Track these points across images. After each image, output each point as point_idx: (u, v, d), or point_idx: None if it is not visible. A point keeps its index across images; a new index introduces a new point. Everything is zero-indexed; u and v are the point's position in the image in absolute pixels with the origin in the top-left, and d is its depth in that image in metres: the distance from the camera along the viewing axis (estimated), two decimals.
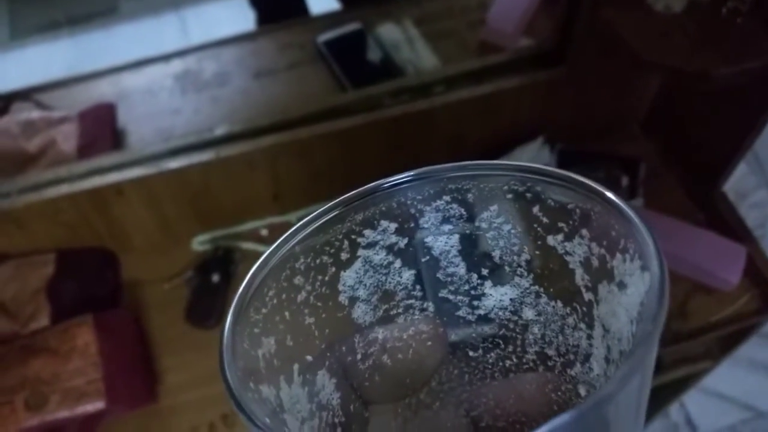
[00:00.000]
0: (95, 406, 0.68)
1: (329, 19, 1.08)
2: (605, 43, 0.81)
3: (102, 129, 0.92)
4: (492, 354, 0.24)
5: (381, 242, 0.22)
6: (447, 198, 0.22)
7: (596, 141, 0.94)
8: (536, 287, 0.23)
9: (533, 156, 0.91)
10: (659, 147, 0.95)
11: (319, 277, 0.22)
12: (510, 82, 0.86)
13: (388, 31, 1.04)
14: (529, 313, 0.23)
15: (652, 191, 0.91)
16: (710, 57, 0.70)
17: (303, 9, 1.26)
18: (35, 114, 0.92)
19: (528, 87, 0.87)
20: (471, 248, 0.23)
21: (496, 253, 0.23)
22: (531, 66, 0.87)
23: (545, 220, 0.21)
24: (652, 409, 1.24)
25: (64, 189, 0.74)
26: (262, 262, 0.20)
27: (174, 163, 0.76)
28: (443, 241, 0.23)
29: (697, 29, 0.72)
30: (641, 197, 0.90)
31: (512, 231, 0.22)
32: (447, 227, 0.23)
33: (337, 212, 0.21)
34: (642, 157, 0.93)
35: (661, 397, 1.15)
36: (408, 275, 0.23)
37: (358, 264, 0.22)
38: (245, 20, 1.28)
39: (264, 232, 0.88)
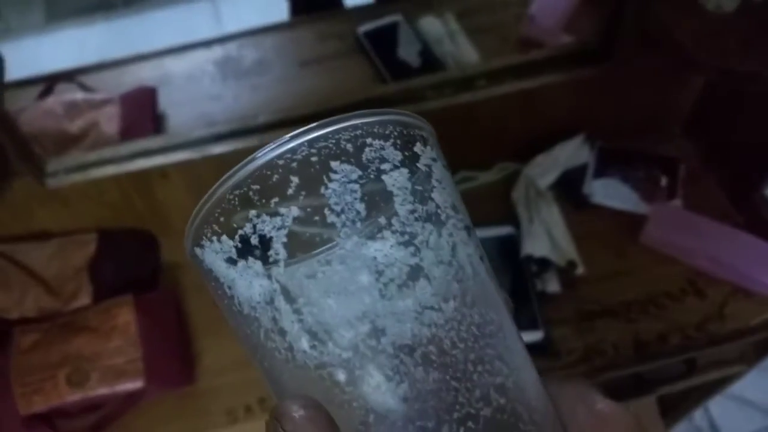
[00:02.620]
0: (134, 384, 0.69)
1: (369, 11, 1.08)
2: (652, 41, 0.81)
3: (143, 112, 0.93)
4: None
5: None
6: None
7: (636, 140, 0.93)
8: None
9: (573, 153, 0.91)
10: (699, 148, 0.94)
11: None
12: (553, 78, 0.86)
13: (429, 24, 1.04)
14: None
15: (691, 192, 0.90)
16: (762, 58, 0.70)
17: (337, 1, 1.26)
18: (78, 95, 0.93)
19: (571, 84, 0.87)
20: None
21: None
22: (575, 63, 0.87)
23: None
24: (678, 412, 1.23)
25: (110, 170, 0.75)
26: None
27: (218, 149, 0.76)
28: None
29: (749, 29, 0.71)
30: (680, 198, 0.89)
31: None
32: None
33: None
34: (682, 158, 0.92)
35: (691, 399, 1.15)
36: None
37: None
38: (278, 9, 1.27)
39: None
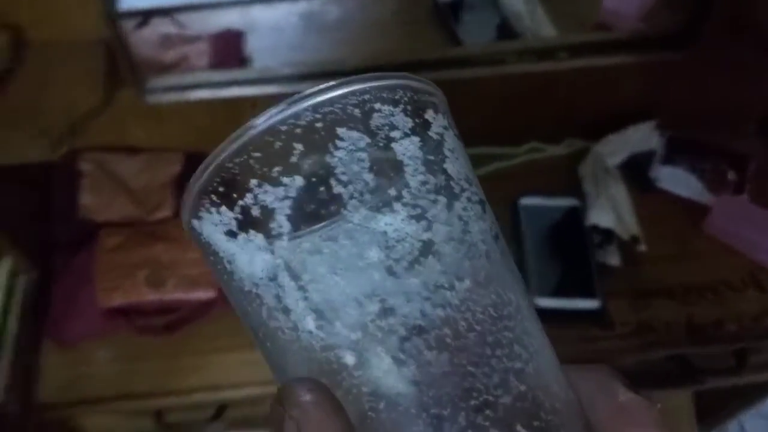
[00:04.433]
0: (207, 294, 0.73)
1: None
2: (741, 29, 0.81)
3: (231, 52, 0.97)
4: None
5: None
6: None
7: (708, 132, 0.94)
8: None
9: (643, 137, 0.92)
10: None
11: None
12: (632, 58, 0.87)
13: None
14: None
15: (759, 190, 0.90)
16: None
17: None
18: (172, 29, 0.97)
19: (649, 66, 0.88)
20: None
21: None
22: (655, 46, 0.88)
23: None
24: (714, 419, 1.23)
25: (204, 94, 0.78)
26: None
27: (306, 87, 0.79)
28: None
29: None
30: (747, 194, 0.90)
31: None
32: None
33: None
34: (753, 155, 0.93)
35: (731, 406, 1.15)
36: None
37: None
38: None
39: None
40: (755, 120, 0.97)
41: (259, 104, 0.79)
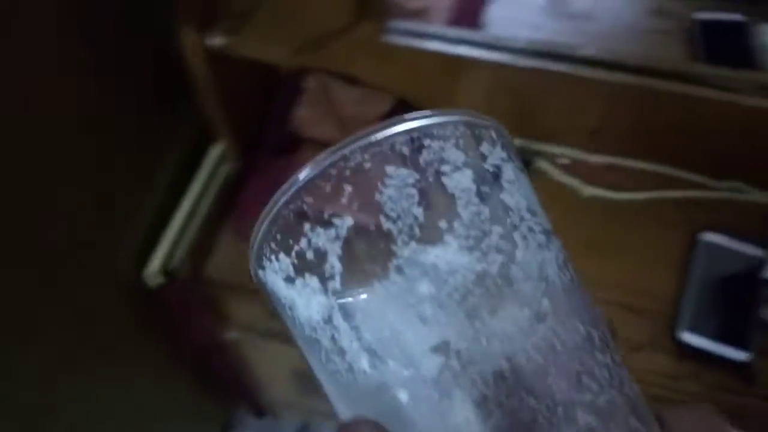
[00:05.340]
0: None
1: (714, 1, 1.05)
2: None
3: (469, 16, 1.01)
4: None
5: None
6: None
7: None
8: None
9: None
10: None
11: None
12: None
13: None
14: None
15: None
16: None
17: None
18: None
19: None
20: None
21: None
22: None
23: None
24: None
25: (436, 46, 0.82)
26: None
27: (528, 62, 0.81)
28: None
29: None
30: None
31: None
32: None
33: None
34: None
35: None
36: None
37: None
38: None
39: (564, 161, 0.91)
40: None
41: (480, 68, 0.82)
